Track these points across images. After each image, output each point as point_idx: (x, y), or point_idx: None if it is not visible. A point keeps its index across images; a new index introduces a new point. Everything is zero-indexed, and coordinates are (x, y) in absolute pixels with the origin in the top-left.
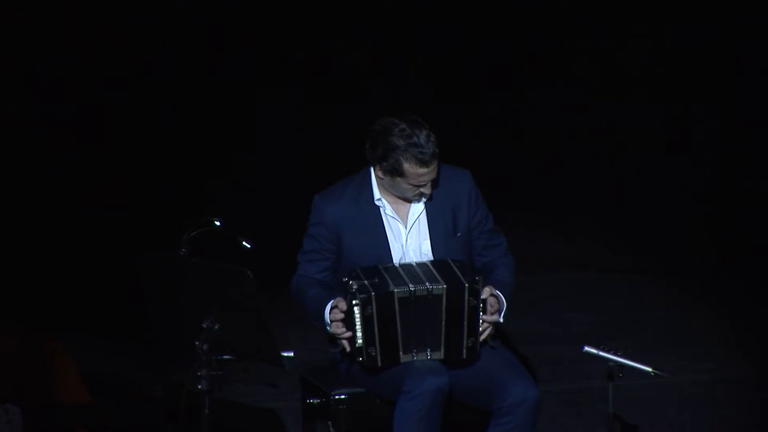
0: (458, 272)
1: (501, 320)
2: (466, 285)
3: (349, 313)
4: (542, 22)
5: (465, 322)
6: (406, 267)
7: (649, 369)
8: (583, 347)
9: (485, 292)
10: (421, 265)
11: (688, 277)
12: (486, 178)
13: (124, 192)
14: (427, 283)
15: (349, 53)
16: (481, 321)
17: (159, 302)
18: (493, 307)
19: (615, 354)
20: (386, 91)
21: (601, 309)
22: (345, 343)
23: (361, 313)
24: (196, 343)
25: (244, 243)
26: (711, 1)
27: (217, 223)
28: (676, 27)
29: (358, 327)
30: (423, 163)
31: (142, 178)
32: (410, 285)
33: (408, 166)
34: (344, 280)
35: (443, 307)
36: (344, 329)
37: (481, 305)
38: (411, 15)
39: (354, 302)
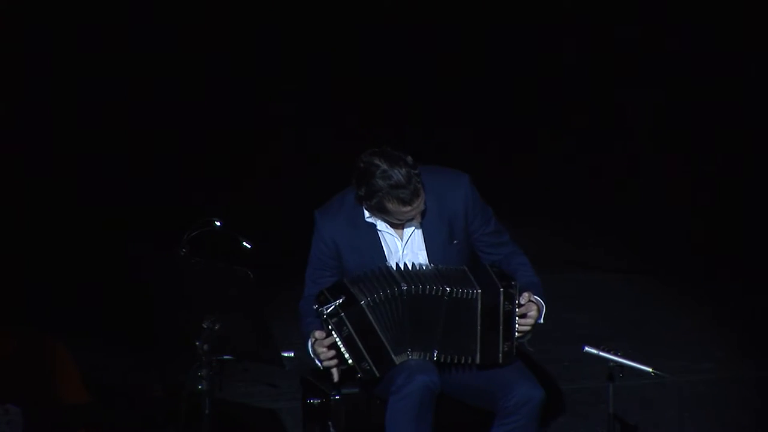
0: (495, 277)
1: (541, 321)
2: (501, 289)
3: (329, 340)
4: (541, 24)
5: (501, 327)
6: (413, 268)
7: (649, 369)
8: (584, 347)
9: (524, 298)
10: (458, 270)
11: (688, 277)
12: (486, 179)
13: (125, 192)
14: (446, 286)
15: (350, 54)
16: (517, 325)
17: (159, 302)
18: (533, 312)
19: (615, 354)
20: (386, 90)
21: (601, 309)
22: (334, 372)
23: (340, 335)
24: (197, 343)
25: (244, 243)
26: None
27: (217, 223)
28: (673, 27)
29: (343, 349)
30: (405, 203)
31: (142, 178)
32: (403, 285)
33: (392, 206)
34: (314, 307)
35: (478, 313)
36: (328, 356)
37: (518, 309)
38: (411, 14)
39: (329, 328)
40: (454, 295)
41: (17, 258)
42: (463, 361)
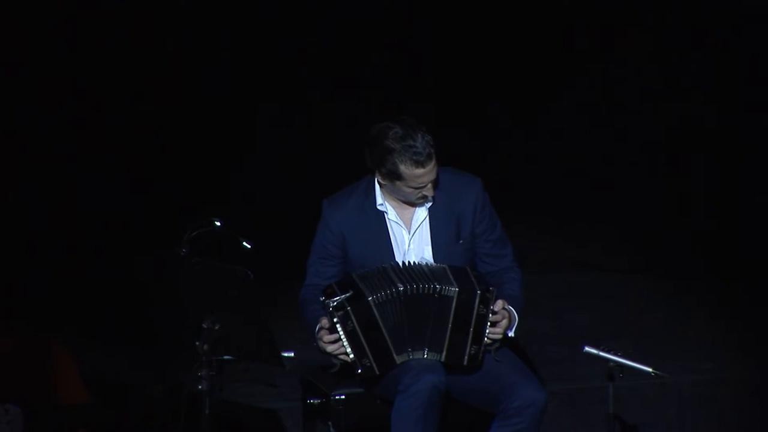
0: (474, 280)
1: (512, 334)
2: (479, 292)
3: (333, 330)
4: (545, 26)
5: (471, 329)
6: (407, 267)
7: (649, 369)
8: (584, 347)
9: (498, 305)
10: (437, 267)
11: (687, 277)
12: (487, 179)
13: (125, 192)
14: (436, 284)
15: (348, 54)
16: (488, 332)
17: (159, 302)
18: (504, 321)
19: (615, 354)
20: (385, 90)
21: (601, 309)
22: (343, 357)
23: (344, 329)
24: (197, 343)
25: (244, 243)
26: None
27: (217, 223)
28: (675, 29)
29: (346, 343)
30: (419, 164)
31: (142, 179)
32: (399, 285)
33: (404, 168)
34: (321, 299)
35: (452, 311)
36: (334, 347)
37: (491, 317)
38: (415, 15)
39: (334, 320)
40: (442, 293)
41: (17, 258)
42: (425, 356)
